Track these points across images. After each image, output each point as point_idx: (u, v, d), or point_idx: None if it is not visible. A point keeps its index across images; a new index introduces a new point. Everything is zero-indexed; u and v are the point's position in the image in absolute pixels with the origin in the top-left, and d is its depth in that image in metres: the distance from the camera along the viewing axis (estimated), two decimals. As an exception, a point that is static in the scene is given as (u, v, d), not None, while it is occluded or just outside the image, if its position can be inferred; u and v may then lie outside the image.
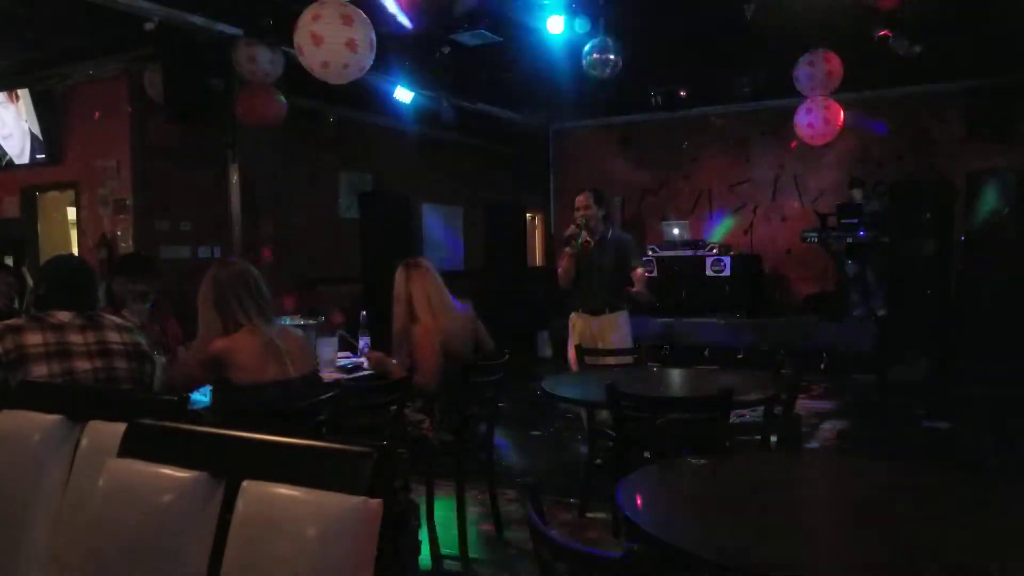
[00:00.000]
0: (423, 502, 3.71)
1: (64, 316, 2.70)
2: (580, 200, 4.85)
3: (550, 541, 1.59)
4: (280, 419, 2.68)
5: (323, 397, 2.93)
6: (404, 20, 4.96)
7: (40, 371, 2.55)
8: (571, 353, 4.82)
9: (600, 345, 4.76)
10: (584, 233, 4.71)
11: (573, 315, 4.96)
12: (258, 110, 5.99)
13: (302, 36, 4.33)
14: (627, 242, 5.04)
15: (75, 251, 7.08)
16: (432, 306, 3.70)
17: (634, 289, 4.86)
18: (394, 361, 3.71)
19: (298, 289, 7.18)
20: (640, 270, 4.88)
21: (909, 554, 1.76)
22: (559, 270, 4.96)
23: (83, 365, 2.64)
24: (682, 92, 9.15)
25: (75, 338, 2.67)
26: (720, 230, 10.45)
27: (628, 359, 4.63)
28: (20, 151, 7.21)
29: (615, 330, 4.89)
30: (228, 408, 2.82)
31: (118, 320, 2.92)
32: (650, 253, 9.70)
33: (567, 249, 4.82)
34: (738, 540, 1.83)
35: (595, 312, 4.87)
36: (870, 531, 1.89)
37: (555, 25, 5.94)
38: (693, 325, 9.24)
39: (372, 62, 4.52)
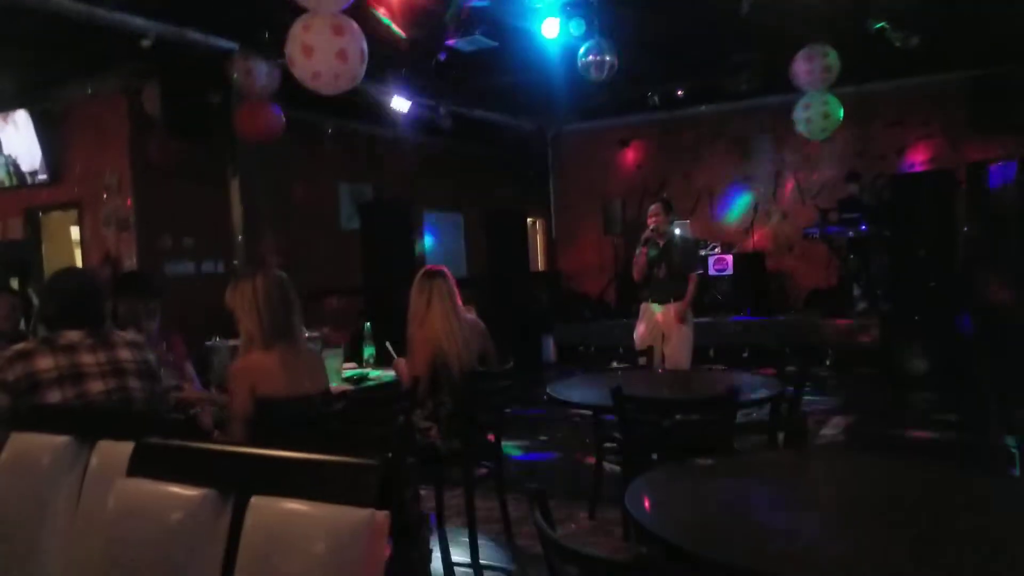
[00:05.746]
0: (433, 509, 3.71)
1: (75, 336, 2.64)
2: (652, 210, 5.94)
3: (559, 546, 1.60)
4: (292, 432, 2.68)
5: (334, 408, 2.94)
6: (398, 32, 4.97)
7: (54, 397, 2.50)
8: (638, 332, 6.01)
9: (665, 331, 5.82)
10: (653, 234, 5.87)
11: (643, 305, 6.02)
12: (257, 123, 6.01)
13: (293, 47, 4.32)
14: (689, 244, 6.30)
15: (79, 270, 7.08)
16: (442, 315, 3.69)
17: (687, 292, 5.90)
18: None
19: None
20: (693, 275, 5.91)
21: (914, 555, 1.76)
22: (635, 267, 5.99)
23: (96, 387, 2.59)
24: (680, 91, 9.17)
25: (87, 359, 2.61)
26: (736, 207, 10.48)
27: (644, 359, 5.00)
28: (22, 171, 7.23)
29: None
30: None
31: (128, 336, 2.87)
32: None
33: (642, 248, 5.91)
34: (747, 542, 1.83)
35: (661, 302, 5.89)
36: (879, 532, 1.89)
37: (550, 29, 5.95)
38: (697, 325, 9.20)
39: (364, 72, 4.52)
